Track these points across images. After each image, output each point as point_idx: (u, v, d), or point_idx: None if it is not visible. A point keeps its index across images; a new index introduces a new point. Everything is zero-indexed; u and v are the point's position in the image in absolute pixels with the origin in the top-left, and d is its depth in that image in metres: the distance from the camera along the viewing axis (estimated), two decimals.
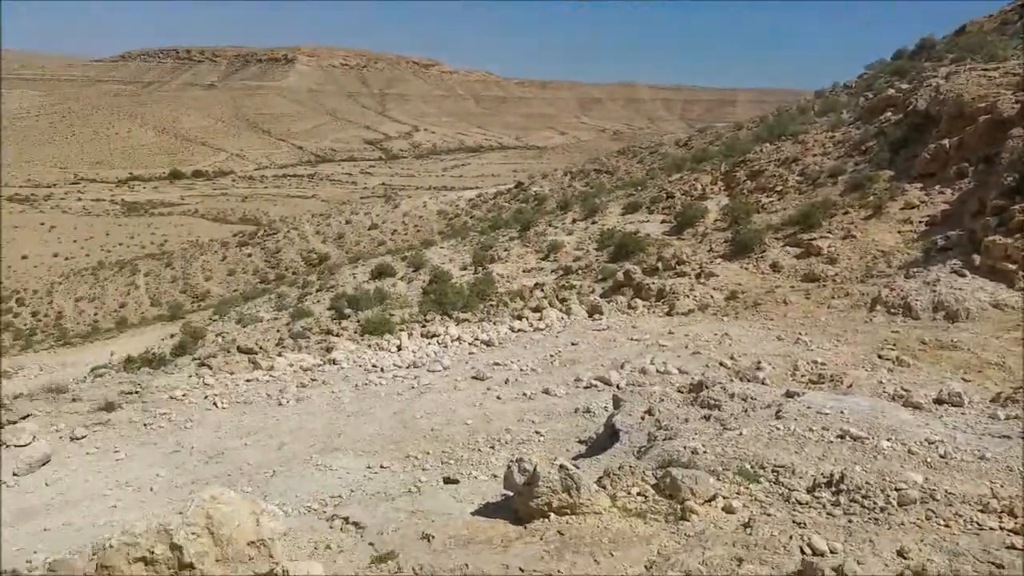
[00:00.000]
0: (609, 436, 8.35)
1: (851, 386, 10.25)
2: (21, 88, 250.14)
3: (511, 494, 6.03)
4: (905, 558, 4.93)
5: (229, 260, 69.17)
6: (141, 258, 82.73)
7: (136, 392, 13.91)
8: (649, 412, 8.38)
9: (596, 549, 5.23)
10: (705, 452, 6.77)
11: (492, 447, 9.65)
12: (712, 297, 16.26)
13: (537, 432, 10.04)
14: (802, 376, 11.23)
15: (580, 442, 9.44)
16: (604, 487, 5.94)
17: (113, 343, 37.92)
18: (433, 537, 5.70)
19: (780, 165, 23.67)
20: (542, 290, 19.08)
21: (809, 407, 7.50)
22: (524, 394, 11.68)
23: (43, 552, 7.46)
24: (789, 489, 6.01)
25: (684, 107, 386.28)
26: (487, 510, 6.20)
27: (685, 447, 6.89)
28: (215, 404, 13.05)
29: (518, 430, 10.16)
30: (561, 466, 5.80)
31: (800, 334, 13.29)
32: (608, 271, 19.37)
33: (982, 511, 5.39)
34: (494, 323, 16.86)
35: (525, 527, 5.63)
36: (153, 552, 4.74)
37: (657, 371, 11.86)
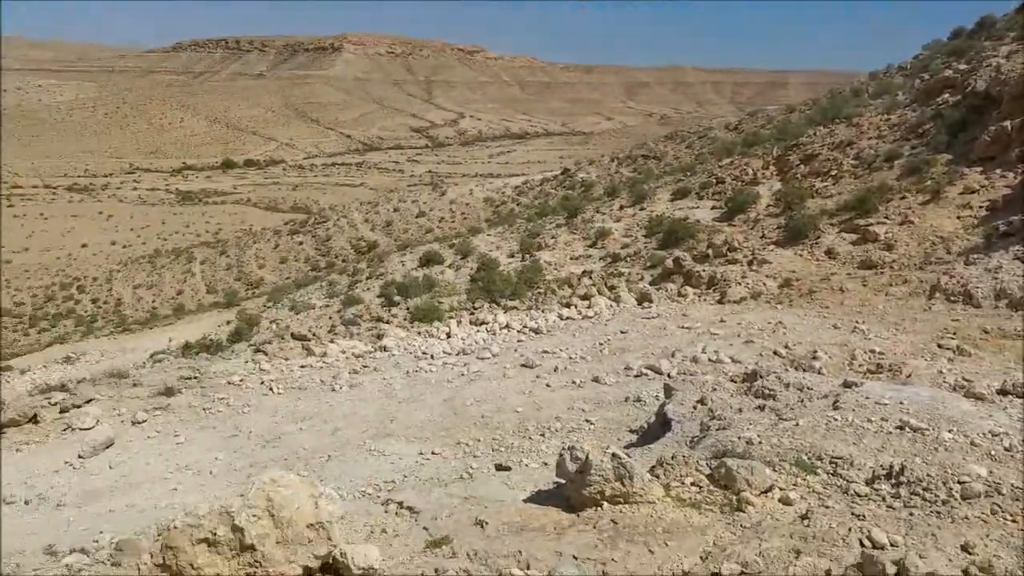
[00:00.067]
0: (661, 425, 8.30)
1: (910, 376, 10.01)
2: (78, 80, 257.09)
3: (563, 482, 6.04)
4: (970, 553, 4.81)
5: (281, 248, 70.41)
6: (196, 246, 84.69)
7: (195, 377, 14.28)
8: (702, 401, 8.31)
9: (650, 539, 5.22)
10: (760, 442, 6.69)
11: (542, 435, 9.68)
12: (765, 284, 15.99)
13: (587, 420, 10.04)
14: (859, 366, 11.00)
15: (631, 431, 9.41)
16: (657, 477, 5.92)
17: (171, 329, 38.87)
18: (487, 523, 5.75)
19: (834, 149, 23.13)
20: (590, 277, 19.00)
21: (867, 397, 7.36)
22: (573, 382, 11.67)
23: (108, 532, 7.66)
24: (847, 481, 5.92)
25: (734, 90, 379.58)
26: (539, 497, 6.23)
27: (740, 437, 6.83)
28: (271, 389, 13.34)
29: (568, 418, 10.16)
30: (614, 455, 5.79)
31: (857, 322, 13.01)
32: (657, 258, 19.19)
33: None
34: (542, 311, 16.86)
35: (578, 515, 5.65)
36: (216, 533, 4.85)
37: (709, 360, 11.74)
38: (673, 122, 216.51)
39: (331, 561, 5.03)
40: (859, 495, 5.73)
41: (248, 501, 4.96)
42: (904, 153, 20.01)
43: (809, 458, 6.28)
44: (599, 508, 5.63)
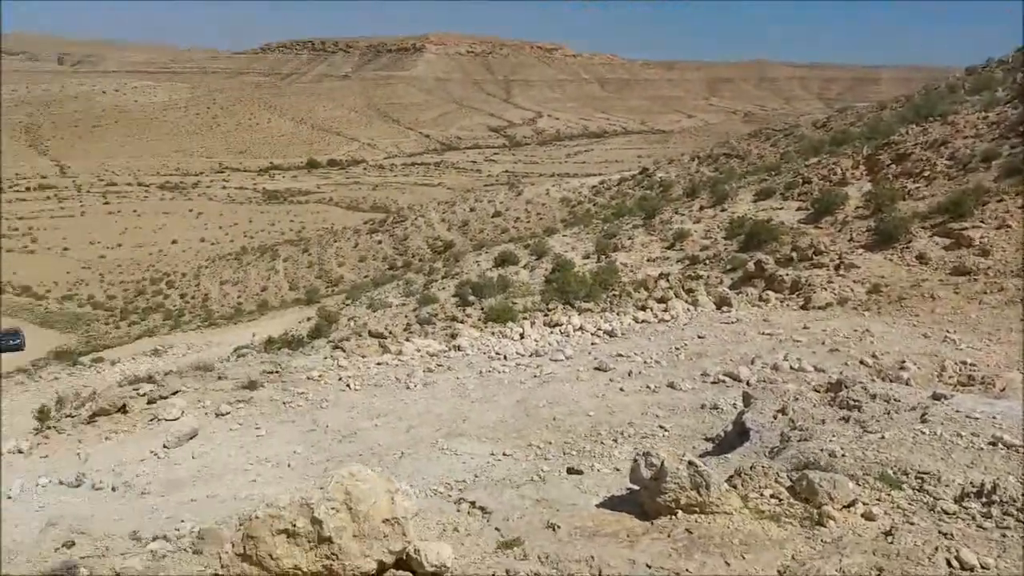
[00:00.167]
0: (738, 435, 8.11)
1: (1004, 389, 9.54)
2: (171, 81, 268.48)
3: (637, 488, 5.96)
4: None
5: (360, 247, 71.95)
6: (280, 244, 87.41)
7: (276, 372, 14.72)
8: (782, 411, 8.09)
9: (727, 550, 5.10)
10: (843, 455, 6.48)
11: (615, 440, 9.58)
12: (852, 290, 15.44)
13: (661, 427, 9.88)
14: (950, 377, 10.55)
15: (707, 439, 9.22)
16: (735, 487, 5.78)
17: (254, 325, 40.19)
18: (559, 527, 5.73)
19: (927, 148, 22.17)
20: (667, 280, 18.72)
21: (957, 411, 7.05)
22: (648, 387, 11.52)
23: (189, 521, 7.88)
24: (935, 498, 5.66)
25: (822, 86, 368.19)
26: (612, 503, 6.17)
27: (822, 449, 6.62)
28: (348, 385, 13.64)
29: (641, 424, 10.04)
30: (690, 462, 5.68)
31: (948, 332, 12.45)
32: (738, 261, 18.76)
33: None
34: (617, 313, 16.71)
35: (652, 523, 5.57)
36: (295, 525, 4.96)
37: (791, 368, 11.40)
38: (758, 119, 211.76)
39: (405, 557, 5.09)
40: (947, 513, 5.47)
41: (327, 494, 5.06)
42: (1003, 153, 19.03)
43: (895, 473, 6.04)
44: (674, 517, 5.53)
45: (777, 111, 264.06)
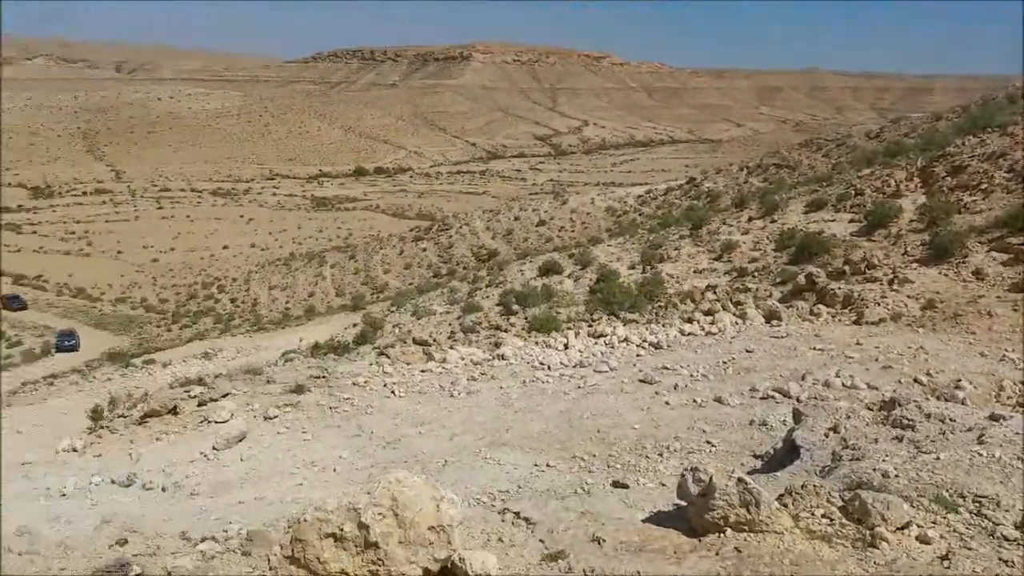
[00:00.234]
0: (788, 452, 7.96)
1: None
2: (224, 88, 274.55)
3: (684, 504, 5.89)
4: None
5: (406, 254, 72.56)
6: (328, 250, 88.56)
7: (323, 377, 14.91)
8: (834, 429, 7.92)
9: (776, 570, 5.00)
10: (897, 476, 6.32)
11: (660, 454, 9.47)
12: (906, 306, 15.05)
13: (708, 442, 9.73)
14: (1008, 398, 10.21)
15: (755, 456, 9.06)
16: (786, 506, 5.66)
17: (301, 330, 40.78)
18: (604, 540, 5.68)
19: (985, 160, 21.55)
20: (714, 292, 18.49)
21: (1016, 432, 6.82)
22: (694, 401, 11.37)
23: (237, 523, 7.97)
24: (994, 523, 5.48)
25: (875, 96, 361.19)
26: (658, 518, 6.10)
27: (875, 469, 6.46)
28: (393, 392, 13.75)
29: (688, 438, 9.90)
30: (739, 479, 5.59)
31: (1007, 351, 12.06)
32: (788, 274, 18.44)
33: None
34: (663, 325, 16.54)
35: (699, 540, 5.49)
36: (342, 529, 5.00)
37: (843, 385, 11.15)
38: (809, 129, 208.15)
39: (449, 565, 5.10)
40: (1007, 539, 5.29)
41: (374, 499, 5.09)
42: None
43: (951, 495, 5.86)
44: (722, 534, 5.45)
45: (828, 121, 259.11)
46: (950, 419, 7.55)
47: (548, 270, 27.94)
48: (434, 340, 18.20)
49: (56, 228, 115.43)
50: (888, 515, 5.46)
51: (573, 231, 64.17)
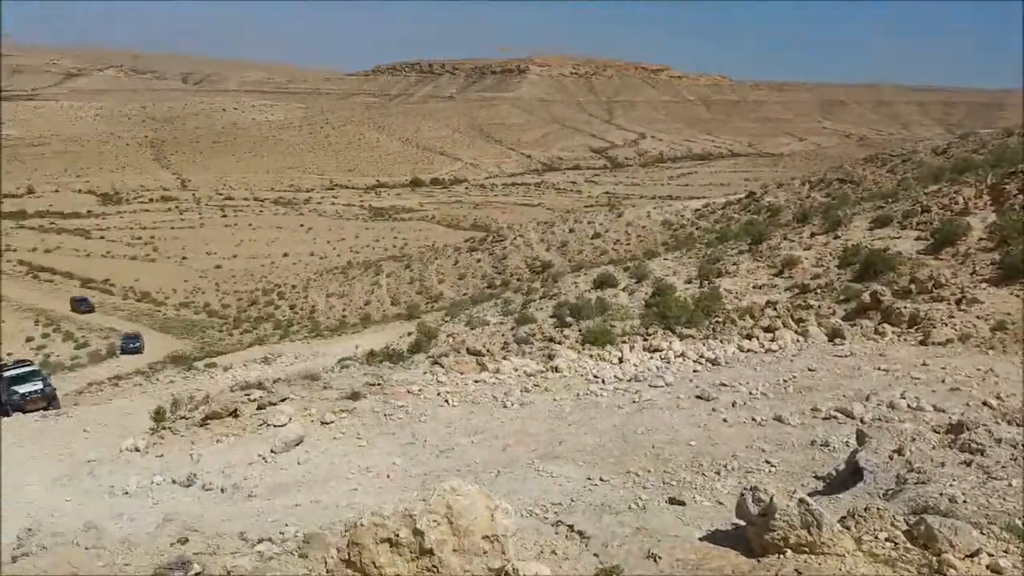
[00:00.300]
0: (850, 474, 7.74)
1: None
2: (287, 101, 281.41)
3: (742, 523, 5.76)
4: None
5: (460, 264, 73.04)
6: (384, 260, 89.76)
7: (378, 384, 15.05)
8: (898, 451, 7.67)
9: None
10: (965, 501, 6.10)
11: (717, 472, 9.28)
12: (975, 326, 14.51)
13: (768, 462, 9.49)
14: None
15: (816, 477, 8.80)
16: (848, 528, 5.50)
17: (357, 337, 41.31)
18: (660, 557, 5.60)
19: None
20: (775, 309, 18.11)
21: None
22: (753, 419, 11.12)
23: (293, 525, 8.06)
24: None
25: (943, 111, 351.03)
26: (716, 537, 5.98)
27: (941, 494, 6.24)
28: (446, 401, 13.80)
29: (746, 457, 9.68)
30: (801, 500, 5.45)
31: None
32: (852, 292, 17.95)
33: None
34: (720, 341, 16.26)
35: (758, 561, 5.36)
36: (398, 535, 5.02)
37: (908, 407, 10.79)
38: (874, 144, 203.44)
39: (503, 575, 5.08)
40: None
41: (429, 507, 5.11)
42: None
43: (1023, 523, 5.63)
44: (782, 556, 5.31)
45: (894, 136, 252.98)
46: (1021, 444, 7.26)
47: (603, 283, 27.74)
48: (487, 350, 18.23)
49: (124, 234, 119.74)
50: (956, 541, 5.27)
51: (628, 244, 63.74)
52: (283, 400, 13.84)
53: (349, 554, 5.05)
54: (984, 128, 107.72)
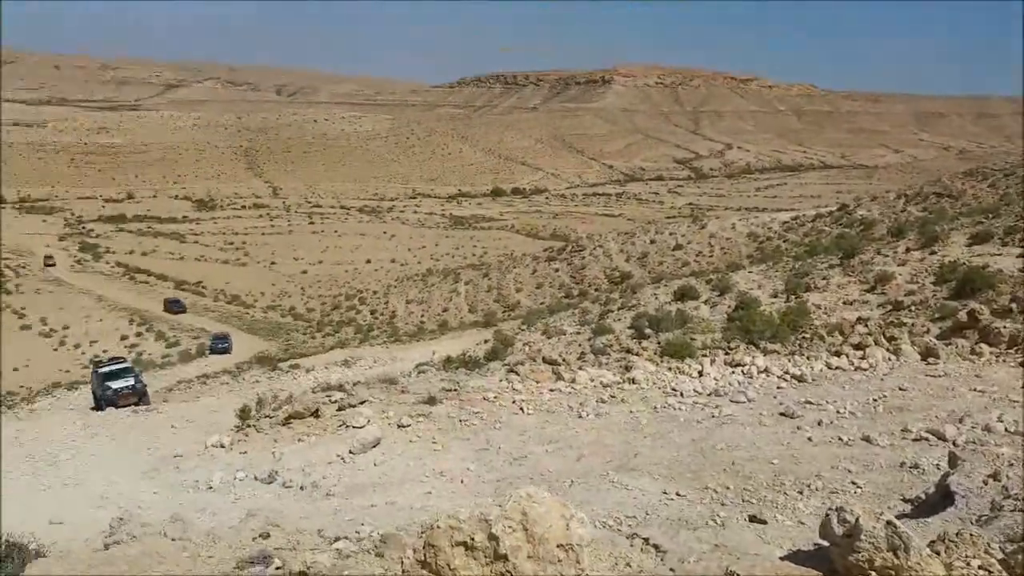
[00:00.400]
0: (941, 498, 7.37)
1: None
2: (375, 112, 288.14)
3: (826, 544, 5.56)
4: None
5: (538, 274, 73.16)
6: (463, 268, 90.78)
7: (454, 390, 15.20)
8: (994, 476, 7.26)
9: None
10: None
11: (800, 492, 8.98)
12: None
13: (854, 483, 9.13)
14: None
15: (904, 500, 8.43)
16: (938, 553, 5.23)
17: (435, 343, 41.83)
18: (739, 575, 5.45)
19: None
20: (866, 325, 17.44)
21: None
22: (840, 439, 10.72)
23: (369, 525, 8.22)
24: None
25: None
26: (797, 557, 5.77)
27: None
28: (521, 409, 13.82)
29: (831, 477, 9.34)
30: (888, 522, 5.22)
31: None
32: (948, 309, 17.15)
33: None
34: (807, 357, 15.74)
35: None
36: (473, 539, 5.04)
37: (1006, 430, 10.21)
38: (974, 157, 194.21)
39: None
40: None
41: (505, 512, 5.11)
42: None
43: None
44: None
45: (996, 149, 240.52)
46: None
47: (683, 295, 27.34)
48: (564, 360, 18.18)
49: (216, 239, 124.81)
50: None
51: (711, 256, 62.59)
52: (362, 402, 14.14)
53: (425, 555, 5.10)
54: None
